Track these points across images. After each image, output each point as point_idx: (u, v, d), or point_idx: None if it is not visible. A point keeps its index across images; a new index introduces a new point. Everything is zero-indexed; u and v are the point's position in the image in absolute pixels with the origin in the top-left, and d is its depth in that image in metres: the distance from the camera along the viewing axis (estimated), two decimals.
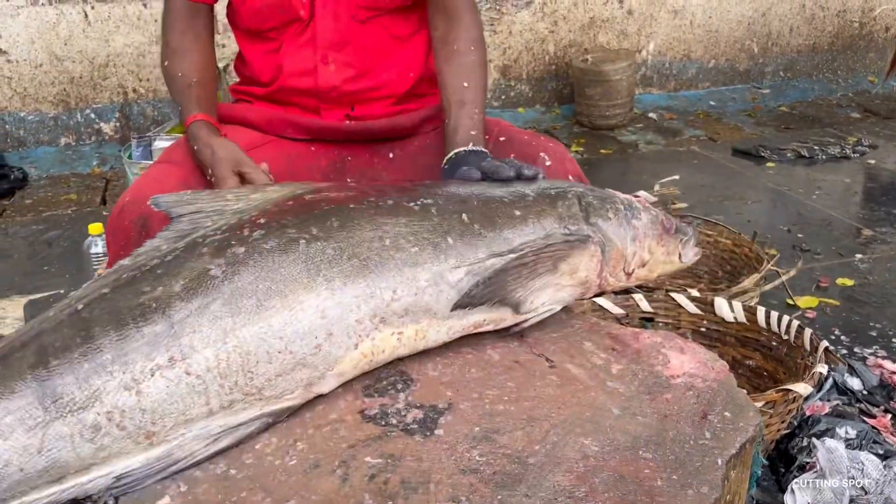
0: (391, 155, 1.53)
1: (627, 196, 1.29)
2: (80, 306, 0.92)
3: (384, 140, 1.53)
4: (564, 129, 4.28)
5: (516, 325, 1.15)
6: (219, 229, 1.03)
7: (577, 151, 3.91)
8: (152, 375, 0.88)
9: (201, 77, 1.45)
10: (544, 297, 1.15)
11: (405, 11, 1.49)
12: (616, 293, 1.84)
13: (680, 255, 1.31)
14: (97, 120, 3.87)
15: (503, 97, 4.43)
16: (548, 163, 1.42)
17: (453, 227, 1.08)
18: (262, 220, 1.03)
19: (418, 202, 1.10)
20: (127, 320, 0.90)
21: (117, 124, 3.88)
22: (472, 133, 1.35)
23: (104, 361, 0.87)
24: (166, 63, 1.47)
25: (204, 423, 0.91)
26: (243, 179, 1.30)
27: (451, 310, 1.05)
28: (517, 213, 1.14)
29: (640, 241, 1.23)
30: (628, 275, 1.24)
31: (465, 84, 1.40)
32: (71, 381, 0.85)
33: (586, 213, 1.20)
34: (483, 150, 1.34)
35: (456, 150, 1.33)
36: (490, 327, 1.13)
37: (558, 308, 1.18)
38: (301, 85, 1.46)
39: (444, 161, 1.35)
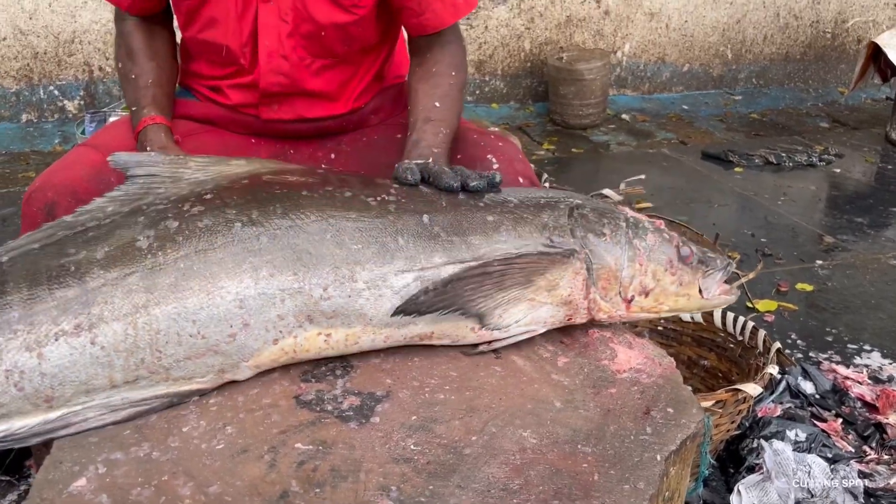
0: (337, 149, 1.48)
1: (639, 216, 1.16)
2: (4, 258, 0.92)
3: (332, 135, 1.48)
4: (537, 126, 4.27)
5: (483, 343, 1.05)
6: (166, 199, 1.00)
7: (548, 150, 3.90)
8: (56, 340, 0.87)
9: (158, 77, 1.35)
10: (517, 312, 1.04)
11: (352, 47, 1.39)
12: None
13: (701, 290, 1.14)
14: (61, 97, 3.77)
15: (477, 92, 4.40)
16: (495, 165, 1.34)
17: (408, 227, 1.00)
18: (208, 196, 1.00)
19: (378, 198, 1.03)
20: (41, 280, 0.89)
21: (81, 102, 3.78)
22: (435, 150, 1.21)
23: (10, 318, 0.87)
24: (120, 65, 1.39)
25: (106, 394, 0.90)
26: None
27: (392, 315, 0.97)
28: (490, 218, 1.04)
29: (642, 263, 1.09)
30: (626, 301, 1.10)
31: (437, 104, 1.30)
32: None
33: (575, 226, 1.08)
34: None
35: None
36: (445, 342, 1.04)
37: (540, 330, 1.07)
38: (243, 110, 1.40)
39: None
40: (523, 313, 1.04)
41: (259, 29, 1.30)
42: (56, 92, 3.76)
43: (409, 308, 0.97)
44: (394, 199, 1.04)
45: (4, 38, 3.60)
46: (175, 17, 1.38)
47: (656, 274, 1.10)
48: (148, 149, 1.27)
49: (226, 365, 0.94)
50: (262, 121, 1.40)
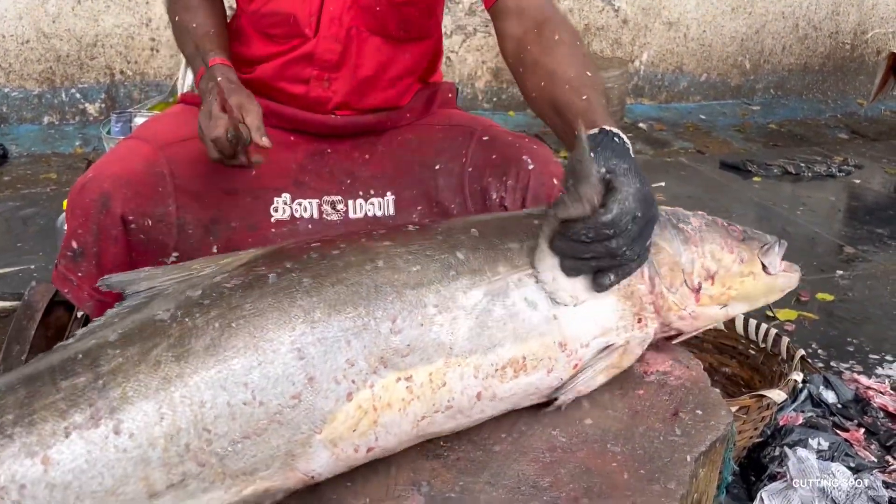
0: (372, 150, 1.48)
1: (673, 209, 1.10)
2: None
3: (368, 134, 1.49)
4: (554, 134, 4.27)
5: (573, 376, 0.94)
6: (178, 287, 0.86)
7: (566, 157, 3.90)
8: (66, 437, 0.68)
9: (217, 28, 1.39)
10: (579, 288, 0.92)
11: (408, 33, 1.40)
12: None
13: (764, 265, 1.07)
14: (82, 100, 3.81)
15: (494, 100, 4.42)
16: (531, 166, 1.33)
17: (462, 241, 0.90)
18: (229, 268, 0.86)
19: (416, 225, 0.97)
20: (42, 377, 0.73)
21: (102, 105, 3.83)
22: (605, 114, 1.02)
23: (3, 423, 0.69)
24: (177, 18, 1.40)
25: None
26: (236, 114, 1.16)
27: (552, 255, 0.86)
28: (536, 222, 0.96)
29: (696, 244, 1.03)
30: (695, 291, 1.02)
31: (588, 73, 1.10)
32: None
33: None
34: (619, 133, 0.97)
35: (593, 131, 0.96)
36: (541, 373, 0.90)
37: (615, 340, 0.95)
38: (291, 89, 1.41)
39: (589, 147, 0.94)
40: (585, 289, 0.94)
41: None
42: (77, 95, 3.81)
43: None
44: (429, 221, 1.04)
45: (28, 41, 3.65)
46: None
47: (714, 253, 1.03)
48: (219, 79, 1.21)
49: (294, 443, 0.75)
50: (306, 104, 1.40)
